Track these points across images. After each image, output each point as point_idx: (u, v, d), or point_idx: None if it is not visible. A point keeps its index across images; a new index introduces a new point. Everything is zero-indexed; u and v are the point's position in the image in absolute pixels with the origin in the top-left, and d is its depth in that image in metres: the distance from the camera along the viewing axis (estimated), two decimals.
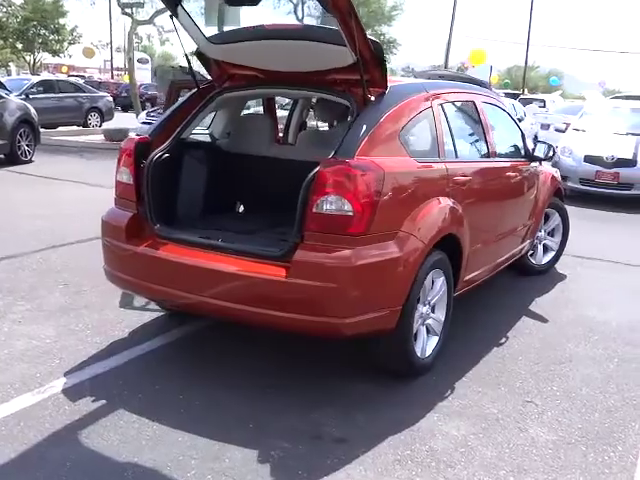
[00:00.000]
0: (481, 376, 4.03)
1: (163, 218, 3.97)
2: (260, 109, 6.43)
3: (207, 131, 4.76)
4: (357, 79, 3.70)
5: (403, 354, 3.75)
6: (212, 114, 4.65)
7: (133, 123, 18.19)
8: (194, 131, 4.37)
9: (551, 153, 5.61)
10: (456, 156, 4.32)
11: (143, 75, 34.65)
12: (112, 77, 47.93)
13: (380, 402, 3.65)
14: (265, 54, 4.02)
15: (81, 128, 19.56)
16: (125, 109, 30.70)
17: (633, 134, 11.07)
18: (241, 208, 4.87)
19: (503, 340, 4.64)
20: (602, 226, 9.09)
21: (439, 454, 3.15)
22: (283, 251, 3.47)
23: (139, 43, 62.54)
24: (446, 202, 3.95)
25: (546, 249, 6.40)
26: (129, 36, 18.01)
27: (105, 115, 20.51)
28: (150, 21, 17.99)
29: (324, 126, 6.64)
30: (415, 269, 3.61)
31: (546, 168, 6.07)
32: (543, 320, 5.09)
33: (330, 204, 3.35)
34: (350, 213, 3.33)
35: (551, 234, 6.41)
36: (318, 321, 3.38)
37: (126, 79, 42.70)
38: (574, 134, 11.90)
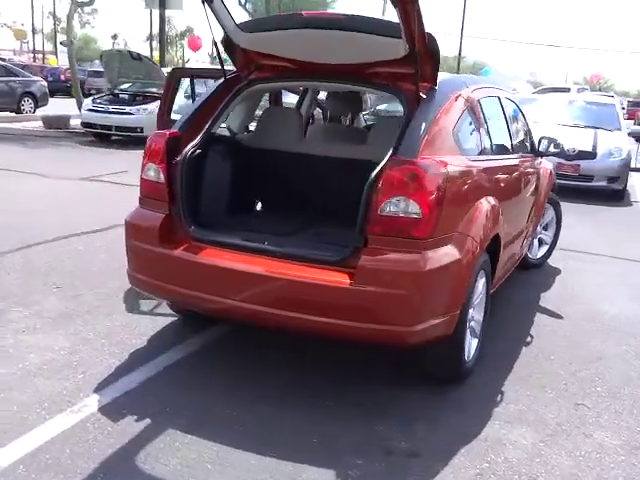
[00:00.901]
0: (523, 378, 3.96)
1: (195, 219, 3.70)
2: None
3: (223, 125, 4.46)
4: (404, 73, 3.54)
5: (456, 359, 3.63)
6: None
7: (70, 109, 17.39)
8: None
9: (554, 148, 5.58)
10: (492, 152, 4.22)
11: (67, 58, 33.19)
12: (34, 60, 45.88)
13: (435, 410, 3.51)
14: (301, 44, 3.77)
15: (14, 114, 18.54)
16: (51, 94, 29.20)
17: (592, 127, 11.33)
18: (259, 206, 4.62)
19: (529, 339, 4.59)
20: (571, 217, 9.19)
21: (517, 466, 3.04)
22: (344, 256, 3.27)
23: (58, 24, 59.87)
24: (491, 201, 3.84)
25: (540, 243, 6.42)
26: (68, 19, 17.12)
27: (39, 100, 19.49)
28: (91, 3, 17.20)
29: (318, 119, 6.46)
30: (472, 272, 3.49)
31: (545, 163, 6.07)
32: (558, 316, 5.07)
33: (396, 206, 3.16)
34: (416, 215, 3.16)
35: (545, 228, 6.43)
36: (382, 329, 3.20)
37: (52, 62, 40.90)
38: (533, 126, 12.03)
